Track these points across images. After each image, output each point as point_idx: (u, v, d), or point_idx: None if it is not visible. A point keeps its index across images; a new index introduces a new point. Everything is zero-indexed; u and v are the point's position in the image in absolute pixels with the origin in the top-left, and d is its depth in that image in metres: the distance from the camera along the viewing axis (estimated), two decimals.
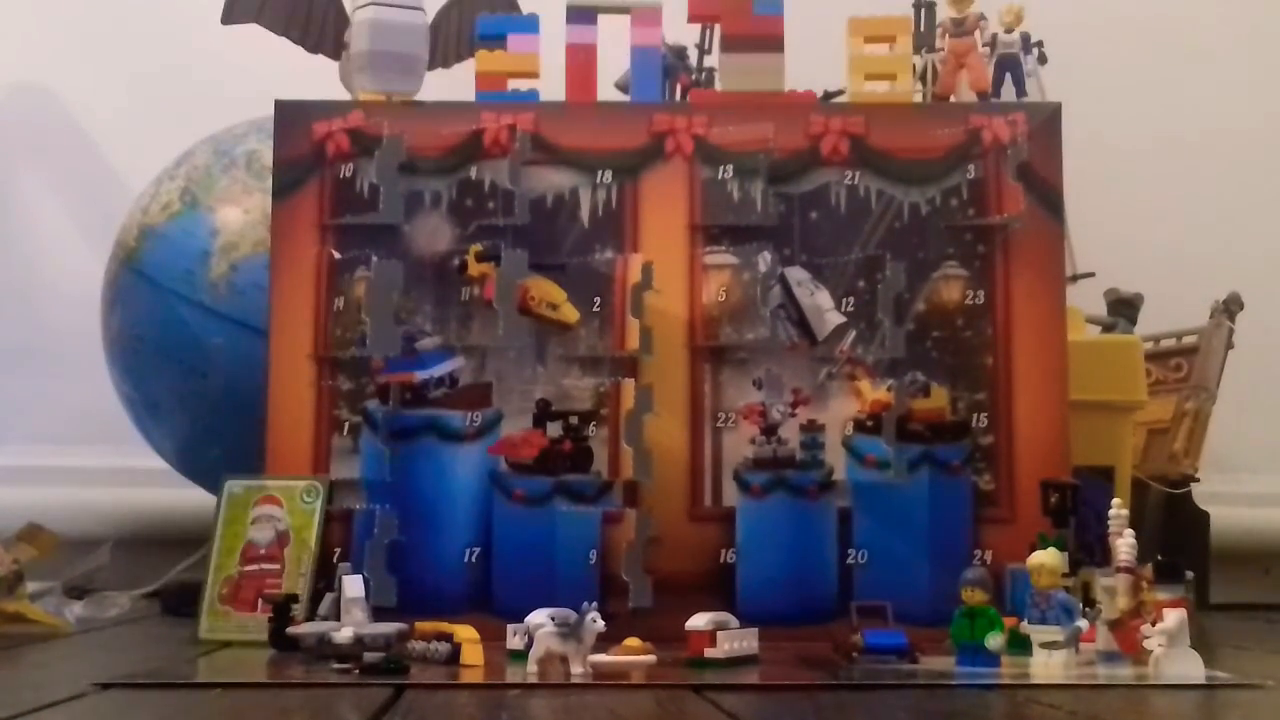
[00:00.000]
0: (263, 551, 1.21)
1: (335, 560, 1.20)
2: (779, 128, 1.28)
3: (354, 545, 1.22)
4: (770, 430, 1.24)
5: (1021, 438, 1.24)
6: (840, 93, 1.43)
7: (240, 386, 1.35)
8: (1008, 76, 1.54)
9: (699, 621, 1.03)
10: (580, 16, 1.31)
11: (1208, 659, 0.97)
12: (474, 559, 1.22)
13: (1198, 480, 1.67)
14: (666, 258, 1.26)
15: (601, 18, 1.31)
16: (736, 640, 1.04)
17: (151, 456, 1.58)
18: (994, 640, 0.98)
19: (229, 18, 1.51)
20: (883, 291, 1.25)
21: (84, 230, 1.85)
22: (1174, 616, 0.96)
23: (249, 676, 0.98)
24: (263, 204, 1.38)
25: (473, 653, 1.01)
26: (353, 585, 1.12)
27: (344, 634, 1.04)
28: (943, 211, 1.27)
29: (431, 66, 1.44)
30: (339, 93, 1.47)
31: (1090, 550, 1.16)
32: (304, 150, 1.29)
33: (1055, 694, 0.89)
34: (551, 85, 1.31)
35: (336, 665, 0.99)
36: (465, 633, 1.03)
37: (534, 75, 1.31)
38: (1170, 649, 0.95)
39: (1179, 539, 1.61)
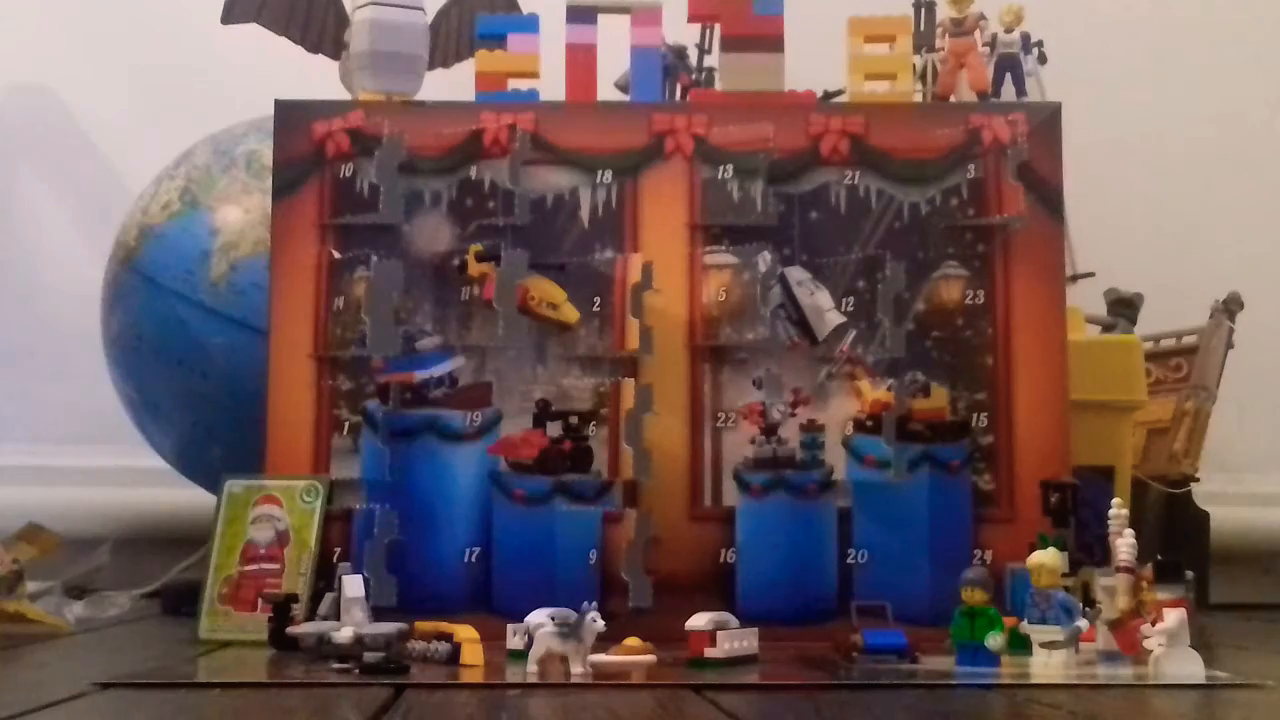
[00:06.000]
0: (263, 551, 1.21)
1: (335, 560, 1.20)
2: (779, 128, 1.28)
3: (354, 545, 1.22)
4: (770, 430, 1.24)
5: (1021, 438, 1.24)
6: (840, 93, 1.43)
7: (240, 386, 1.36)
8: (1008, 76, 1.54)
9: (699, 621, 1.03)
10: (580, 16, 1.31)
11: (1208, 659, 0.97)
12: (474, 559, 1.22)
13: (1198, 480, 1.67)
14: (666, 258, 1.26)
15: (601, 18, 1.31)
16: (736, 640, 1.03)
17: (151, 456, 1.58)
18: (994, 640, 0.98)
19: (229, 18, 1.51)
20: (883, 291, 1.25)
21: (84, 230, 1.85)
22: (1174, 616, 0.96)
23: (249, 676, 0.98)
24: (263, 204, 1.38)
25: (473, 653, 1.01)
26: (353, 585, 1.12)
27: (344, 634, 1.04)
28: (943, 211, 1.27)
29: (431, 66, 1.44)
30: (339, 93, 1.47)
31: (1090, 550, 1.16)
32: (304, 150, 1.29)
33: (1055, 694, 0.89)
34: (551, 85, 1.31)
35: (336, 665, 0.98)
36: (465, 633, 1.03)
37: (534, 75, 1.31)
38: (1170, 649, 0.95)
39: (1179, 539, 1.61)
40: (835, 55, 1.35)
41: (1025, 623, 1.01)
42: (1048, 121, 1.29)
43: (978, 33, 1.53)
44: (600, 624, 0.96)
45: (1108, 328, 1.65)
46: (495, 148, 1.28)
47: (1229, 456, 1.85)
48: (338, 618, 1.10)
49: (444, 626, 1.05)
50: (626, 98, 1.37)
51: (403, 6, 1.36)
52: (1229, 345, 1.70)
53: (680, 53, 1.61)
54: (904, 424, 1.24)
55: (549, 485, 1.22)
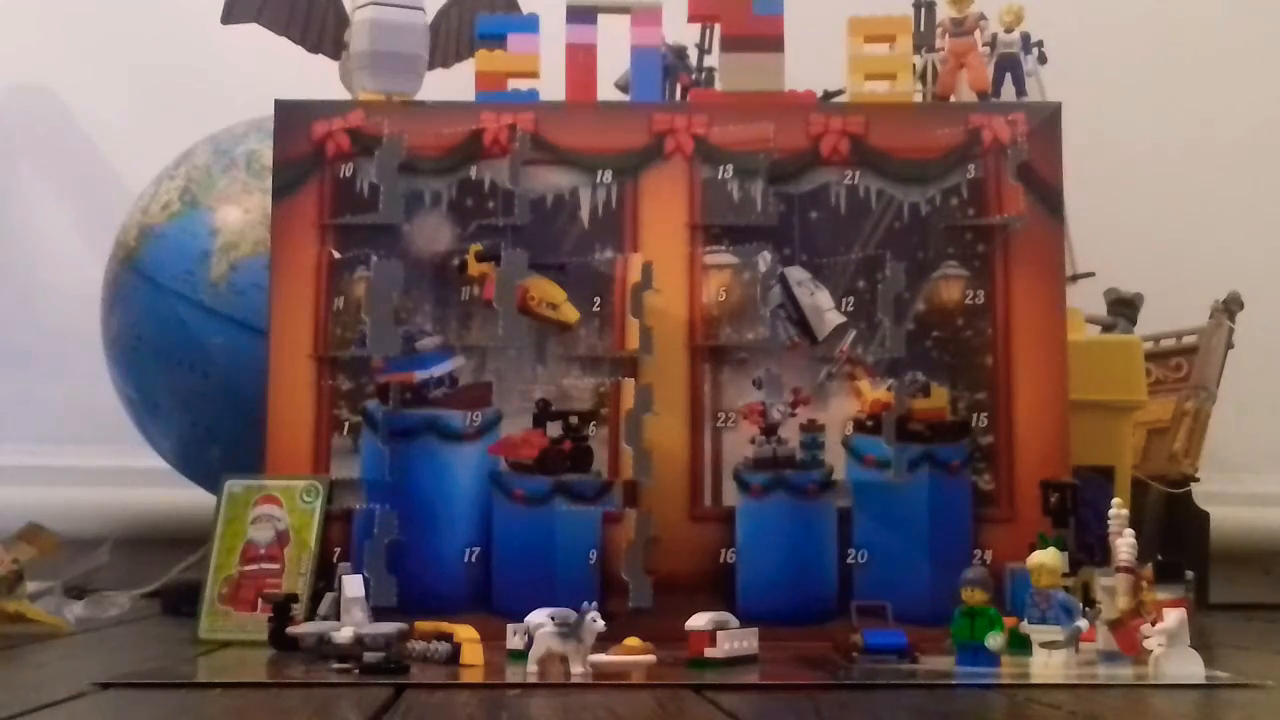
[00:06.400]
0: (263, 551, 1.21)
1: (335, 560, 1.20)
2: (779, 128, 1.28)
3: (354, 545, 1.22)
4: (770, 430, 1.24)
5: (1021, 438, 1.24)
6: (840, 93, 1.43)
7: (240, 386, 1.36)
8: (1008, 76, 1.54)
9: (699, 621, 1.03)
10: (580, 16, 1.31)
11: (1208, 659, 0.97)
12: (474, 559, 1.22)
13: (1198, 480, 1.67)
14: (666, 258, 1.26)
15: (601, 18, 1.31)
16: (736, 640, 1.03)
17: (151, 456, 1.58)
18: (994, 640, 0.98)
19: (229, 18, 1.51)
20: (883, 291, 1.25)
21: (84, 230, 1.85)
22: (1174, 616, 0.96)
23: (249, 676, 0.98)
24: (263, 204, 1.38)
25: (473, 653, 1.01)
26: (353, 585, 1.12)
27: (344, 634, 1.04)
28: (943, 211, 1.27)
29: (431, 66, 1.44)
30: (339, 93, 1.46)
31: (1090, 550, 1.16)
32: (304, 150, 1.29)
33: (1055, 694, 0.89)
34: (551, 85, 1.31)
35: (336, 665, 0.98)
36: (465, 633, 1.03)
37: (534, 75, 1.31)
38: (1170, 649, 0.95)
39: (1179, 539, 1.61)
40: (835, 55, 1.35)
41: (1025, 623, 1.01)
42: (1048, 121, 1.29)
43: (978, 33, 1.52)
44: (600, 624, 0.96)
45: (1108, 328, 1.65)
46: (495, 148, 1.28)
47: (1229, 456, 1.85)
48: (338, 618, 1.10)
49: (444, 626, 1.05)
50: (626, 98, 1.37)
51: (403, 6, 1.36)
52: (1229, 345, 1.70)
53: (680, 53, 1.61)
54: (904, 424, 1.24)
55: (549, 485, 1.23)
